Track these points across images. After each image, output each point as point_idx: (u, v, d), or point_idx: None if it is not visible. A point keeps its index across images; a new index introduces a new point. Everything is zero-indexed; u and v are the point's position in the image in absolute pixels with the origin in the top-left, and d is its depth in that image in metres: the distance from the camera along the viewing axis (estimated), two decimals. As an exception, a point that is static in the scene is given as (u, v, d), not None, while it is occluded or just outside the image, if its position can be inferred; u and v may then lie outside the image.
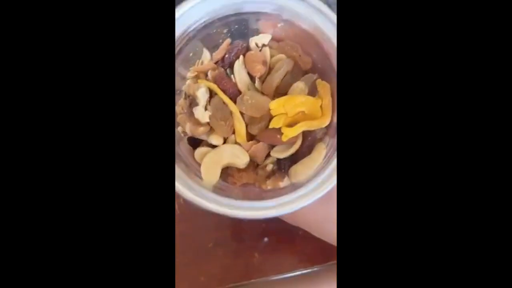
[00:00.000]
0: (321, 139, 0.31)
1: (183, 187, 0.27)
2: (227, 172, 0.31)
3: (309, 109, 0.29)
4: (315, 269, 0.41)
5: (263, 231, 0.43)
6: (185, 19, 0.29)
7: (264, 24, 0.32)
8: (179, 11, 0.28)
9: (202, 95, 0.30)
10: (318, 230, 0.36)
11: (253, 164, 0.31)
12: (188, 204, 0.44)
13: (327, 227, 0.33)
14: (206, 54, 0.32)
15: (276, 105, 0.29)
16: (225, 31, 0.32)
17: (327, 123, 0.30)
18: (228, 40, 0.32)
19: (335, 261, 0.41)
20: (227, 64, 0.32)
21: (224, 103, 0.30)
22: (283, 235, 0.43)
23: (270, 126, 0.29)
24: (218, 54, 0.32)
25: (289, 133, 0.28)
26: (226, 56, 0.32)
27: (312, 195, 0.27)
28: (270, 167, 0.31)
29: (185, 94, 0.32)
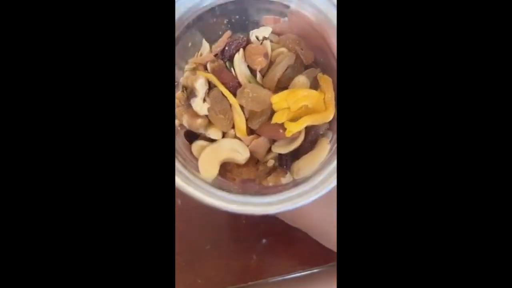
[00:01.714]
0: (324, 135, 0.30)
1: (181, 180, 0.26)
2: (225, 168, 0.30)
3: (312, 103, 0.29)
4: (314, 270, 0.40)
5: (261, 232, 0.43)
6: (185, 2, 0.28)
7: (266, 19, 0.32)
8: None
9: (200, 86, 0.29)
10: (317, 232, 0.35)
11: (254, 160, 0.30)
12: (185, 204, 0.44)
13: (326, 230, 0.33)
14: (205, 46, 0.31)
15: (278, 99, 0.28)
16: (225, 21, 0.32)
17: (330, 117, 0.29)
18: (229, 33, 0.31)
19: (334, 263, 0.40)
20: (226, 57, 0.31)
21: (223, 95, 0.29)
22: (281, 237, 0.42)
23: (273, 121, 0.28)
24: (218, 47, 0.31)
25: (293, 128, 0.28)
26: (226, 48, 0.31)
27: (313, 193, 0.26)
28: (271, 163, 0.30)
29: (183, 86, 0.31)
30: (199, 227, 0.43)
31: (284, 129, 0.28)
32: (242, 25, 0.32)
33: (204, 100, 0.29)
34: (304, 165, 0.29)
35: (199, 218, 0.44)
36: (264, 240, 0.42)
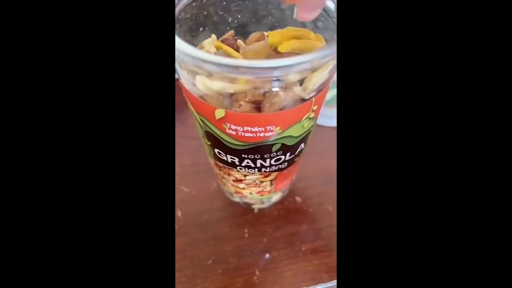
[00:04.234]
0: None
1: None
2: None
3: (304, 36, 0.30)
4: (318, 287, 0.40)
5: (264, 247, 0.42)
6: None
7: None
8: None
9: (208, 43, 0.32)
10: None
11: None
12: (185, 217, 0.43)
13: None
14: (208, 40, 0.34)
15: (274, 33, 0.30)
16: (229, 20, 0.35)
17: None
18: (232, 32, 0.35)
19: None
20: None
21: (227, 54, 0.31)
22: (285, 252, 0.42)
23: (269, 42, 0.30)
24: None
25: (283, 48, 0.29)
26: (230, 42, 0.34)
27: None
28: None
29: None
30: (200, 241, 0.43)
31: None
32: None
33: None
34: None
35: (200, 232, 0.43)
36: (267, 255, 0.42)
